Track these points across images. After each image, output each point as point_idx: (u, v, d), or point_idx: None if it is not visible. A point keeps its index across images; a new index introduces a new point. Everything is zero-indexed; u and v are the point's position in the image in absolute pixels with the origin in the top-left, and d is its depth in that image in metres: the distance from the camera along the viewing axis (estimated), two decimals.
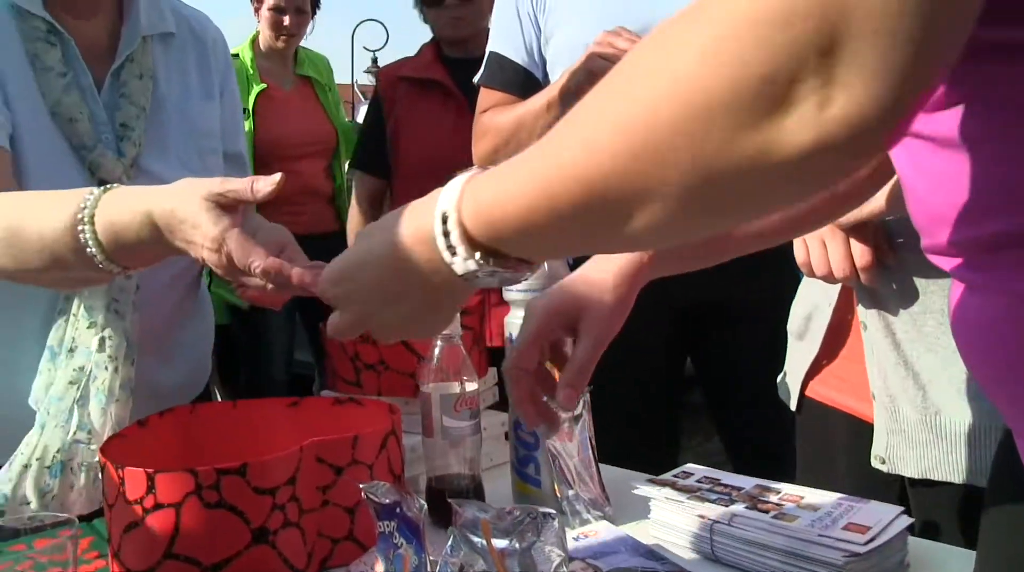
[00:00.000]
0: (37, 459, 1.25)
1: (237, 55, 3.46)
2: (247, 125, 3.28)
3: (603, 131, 0.60)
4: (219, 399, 3.69)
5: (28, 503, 1.25)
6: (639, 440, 1.83)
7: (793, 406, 1.53)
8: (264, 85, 3.44)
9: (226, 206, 1.04)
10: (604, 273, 1.08)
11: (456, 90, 2.41)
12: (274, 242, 1.16)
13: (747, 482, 1.24)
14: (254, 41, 3.61)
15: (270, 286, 1.05)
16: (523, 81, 1.91)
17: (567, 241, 0.72)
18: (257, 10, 3.56)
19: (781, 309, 1.65)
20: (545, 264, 1.28)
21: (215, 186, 1.05)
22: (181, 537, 1.01)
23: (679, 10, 1.77)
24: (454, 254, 0.74)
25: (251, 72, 3.45)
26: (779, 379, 1.60)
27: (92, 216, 1.08)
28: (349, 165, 3.07)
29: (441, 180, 2.26)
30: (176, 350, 1.49)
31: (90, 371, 1.28)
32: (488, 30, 2.30)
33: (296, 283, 1.02)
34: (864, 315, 1.36)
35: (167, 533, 1.01)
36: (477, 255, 0.74)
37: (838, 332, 1.43)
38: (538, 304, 1.07)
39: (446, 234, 0.74)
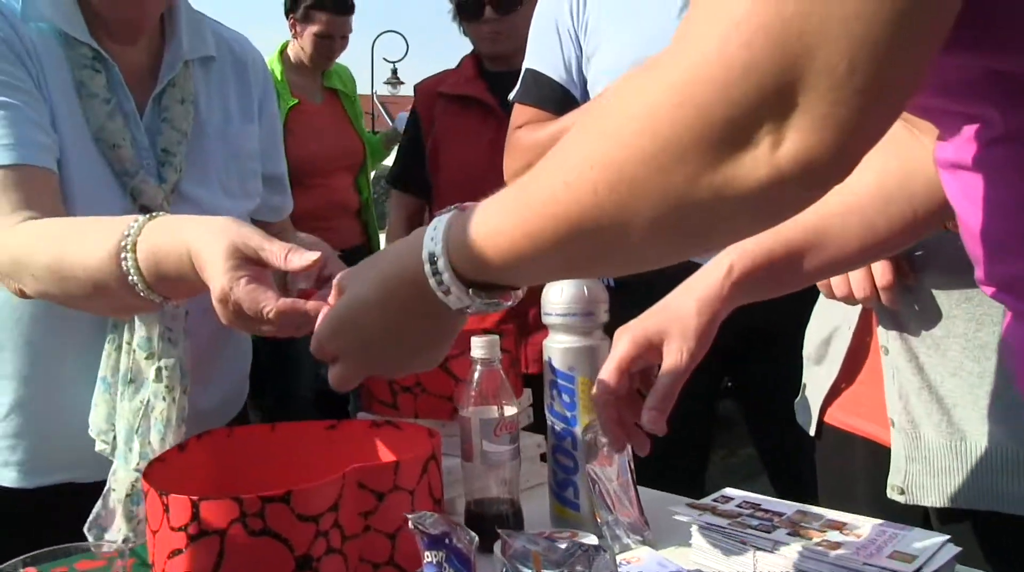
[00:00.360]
0: (114, 489, 1.27)
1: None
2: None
3: (580, 167, 0.65)
4: (251, 417, 3.69)
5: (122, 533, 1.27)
6: (671, 456, 1.82)
7: (812, 431, 1.51)
8: (296, 100, 3.44)
9: (251, 260, 1.04)
10: (688, 301, 1.12)
11: (496, 106, 2.36)
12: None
13: (787, 508, 1.23)
14: (283, 53, 3.60)
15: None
16: (559, 98, 1.90)
17: (552, 271, 0.80)
18: (293, 26, 3.55)
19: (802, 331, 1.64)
20: (584, 288, 1.28)
21: (251, 239, 1.04)
22: (225, 564, 1.01)
23: None
24: (448, 293, 0.80)
25: (282, 86, 3.45)
26: (796, 402, 1.58)
27: (135, 244, 1.09)
28: (387, 182, 3.05)
29: (480, 199, 2.27)
30: (216, 373, 1.50)
31: (148, 401, 1.29)
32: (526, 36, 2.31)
33: (315, 316, 1.00)
34: (885, 338, 1.34)
35: (211, 560, 1.01)
36: (470, 291, 0.79)
37: (857, 356, 1.41)
38: (625, 331, 1.12)
39: (437, 274, 0.79)
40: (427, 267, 0.80)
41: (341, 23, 3.51)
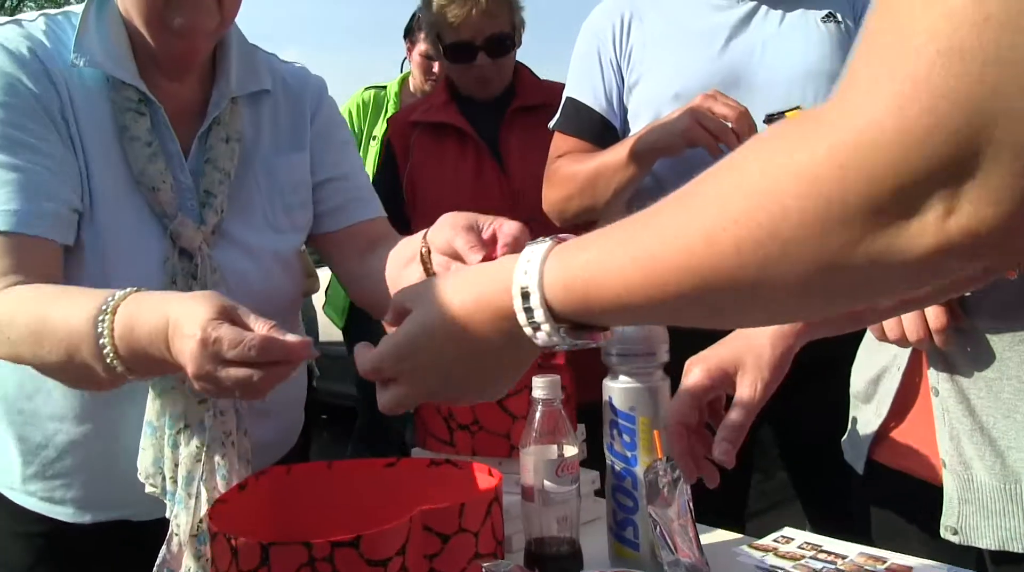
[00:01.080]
0: (177, 533, 1.27)
1: (384, 87, 3.52)
2: (375, 150, 3.26)
3: (722, 222, 0.61)
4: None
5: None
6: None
7: (861, 470, 1.49)
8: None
9: (233, 319, 1.03)
10: (762, 332, 1.12)
11: (472, 133, 2.28)
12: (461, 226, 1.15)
13: (850, 549, 1.22)
14: (404, 80, 3.62)
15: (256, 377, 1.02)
16: (599, 129, 1.90)
17: (661, 317, 0.77)
18: (410, 51, 3.55)
19: (844, 368, 1.62)
20: (646, 328, 1.28)
21: (239, 307, 1.04)
22: None
23: (768, 66, 1.77)
24: (537, 330, 0.76)
25: (392, 104, 3.46)
26: (844, 440, 1.56)
27: (116, 308, 1.09)
28: None
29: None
30: (272, 405, 1.50)
31: (208, 446, 1.29)
32: (510, 77, 2.29)
33: (298, 351, 1.02)
34: (935, 380, 1.33)
35: None
36: (562, 330, 0.75)
37: (907, 396, 1.40)
38: (698, 361, 1.12)
39: (528, 310, 0.75)
40: (518, 301, 0.76)
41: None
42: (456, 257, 1.15)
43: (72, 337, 1.10)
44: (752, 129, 1.64)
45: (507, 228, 1.13)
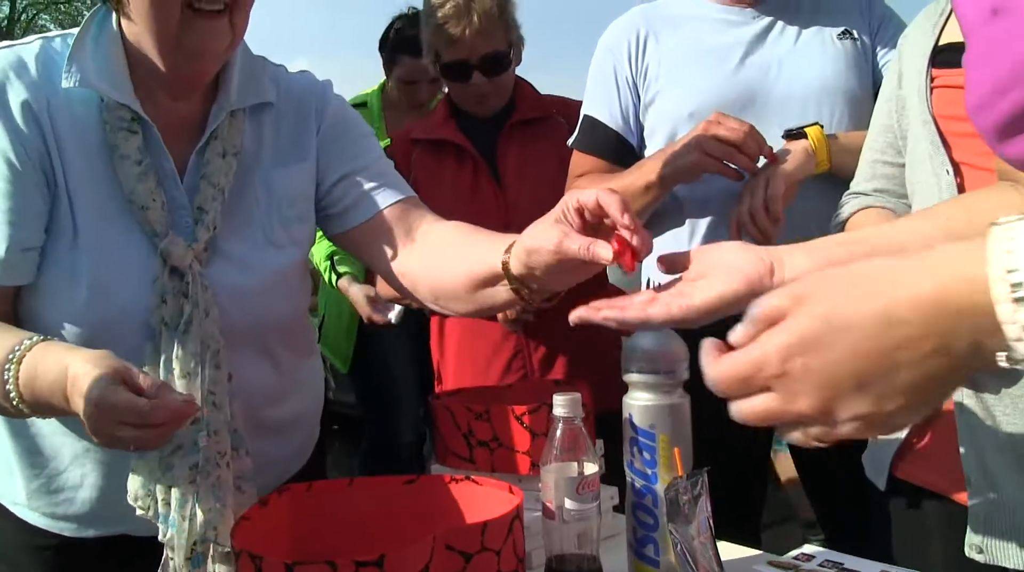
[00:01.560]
0: (172, 558, 1.29)
1: (365, 103, 3.31)
2: None
3: None
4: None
5: None
6: (729, 497, 1.80)
7: (882, 486, 1.49)
8: (388, 141, 3.10)
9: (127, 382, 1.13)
10: None
11: (471, 148, 2.27)
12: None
13: (872, 568, 1.22)
14: (383, 89, 3.41)
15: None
16: (616, 147, 1.91)
17: None
18: (386, 63, 3.34)
19: None
20: (666, 345, 1.28)
21: (131, 369, 1.14)
22: None
23: (784, 83, 1.77)
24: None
25: (377, 123, 3.29)
26: (864, 456, 1.56)
27: (22, 358, 1.19)
28: None
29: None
30: (285, 423, 1.51)
31: (202, 467, 1.30)
32: (509, 94, 2.28)
33: (185, 413, 1.13)
34: (960, 395, 1.31)
35: None
36: None
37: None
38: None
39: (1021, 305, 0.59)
40: (1004, 294, 0.60)
41: (425, 67, 3.29)
42: (560, 257, 1.17)
43: None
44: (761, 144, 1.63)
45: (585, 198, 1.14)
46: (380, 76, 3.46)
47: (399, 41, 3.29)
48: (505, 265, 1.28)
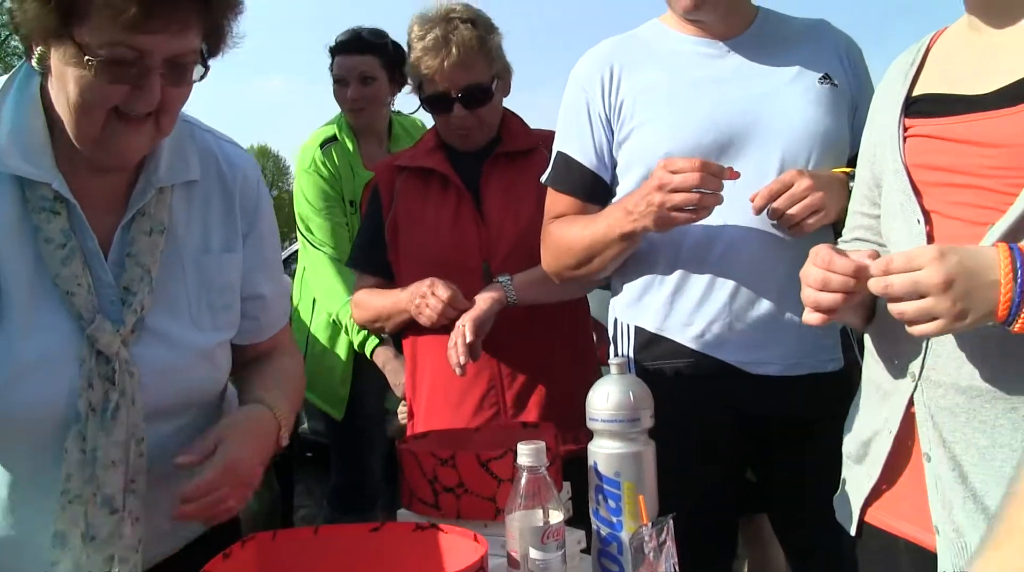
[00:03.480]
0: None
1: (335, 137, 3.11)
2: (356, 218, 2.98)
3: None
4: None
5: None
6: (699, 544, 1.79)
7: (852, 531, 1.48)
8: (370, 174, 2.94)
9: None
10: None
11: (455, 178, 2.23)
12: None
13: None
14: (344, 125, 3.17)
15: None
16: (591, 185, 1.90)
17: None
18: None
19: (831, 427, 1.61)
20: (630, 393, 1.29)
21: None
22: None
23: (764, 124, 1.77)
24: None
25: (354, 158, 3.10)
26: (835, 498, 1.55)
27: None
28: (347, 263, 2.65)
29: (445, 277, 2.23)
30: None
31: (120, 557, 1.28)
32: (495, 126, 2.28)
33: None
34: (927, 445, 1.31)
35: None
36: None
37: (898, 459, 1.38)
38: None
39: None
40: None
41: (352, 65, 3.06)
42: None
43: None
44: (719, 173, 1.60)
45: None
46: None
47: (331, 49, 3.15)
48: None
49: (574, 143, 1.92)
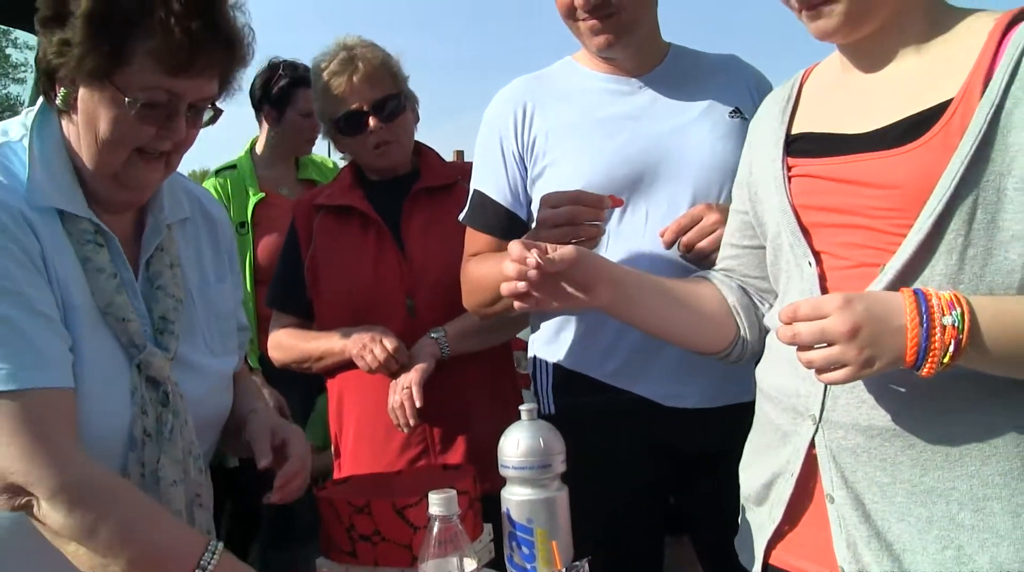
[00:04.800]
0: None
1: (235, 166, 3.31)
2: (247, 239, 3.15)
3: None
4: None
5: None
6: None
7: None
8: (263, 194, 3.24)
9: None
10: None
11: (374, 215, 2.23)
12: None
13: None
14: (251, 150, 3.41)
15: None
16: (506, 223, 1.90)
17: None
18: (267, 115, 3.34)
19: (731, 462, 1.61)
20: (541, 440, 1.29)
21: None
22: None
23: (675, 158, 1.78)
24: None
25: (249, 183, 3.28)
26: (736, 540, 1.54)
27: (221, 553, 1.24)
28: (266, 302, 2.63)
29: (365, 316, 2.25)
30: None
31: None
32: (411, 147, 2.30)
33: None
34: (830, 486, 1.31)
35: None
36: None
37: (800, 501, 1.37)
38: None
39: None
40: None
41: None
42: None
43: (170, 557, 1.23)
44: (597, 202, 1.59)
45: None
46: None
47: (294, 80, 3.28)
48: None
49: (490, 181, 1.93)
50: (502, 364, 2.30)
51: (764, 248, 1.49)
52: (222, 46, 1.33)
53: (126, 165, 1.33)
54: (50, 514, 1.19)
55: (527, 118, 1.91)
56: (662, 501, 1.92)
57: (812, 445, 1.33)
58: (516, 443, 1.29)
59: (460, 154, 5.63)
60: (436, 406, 2.09)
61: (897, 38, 1.30)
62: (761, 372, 1.47)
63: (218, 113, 1.40)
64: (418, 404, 2.02)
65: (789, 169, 1.40)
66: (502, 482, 1.40)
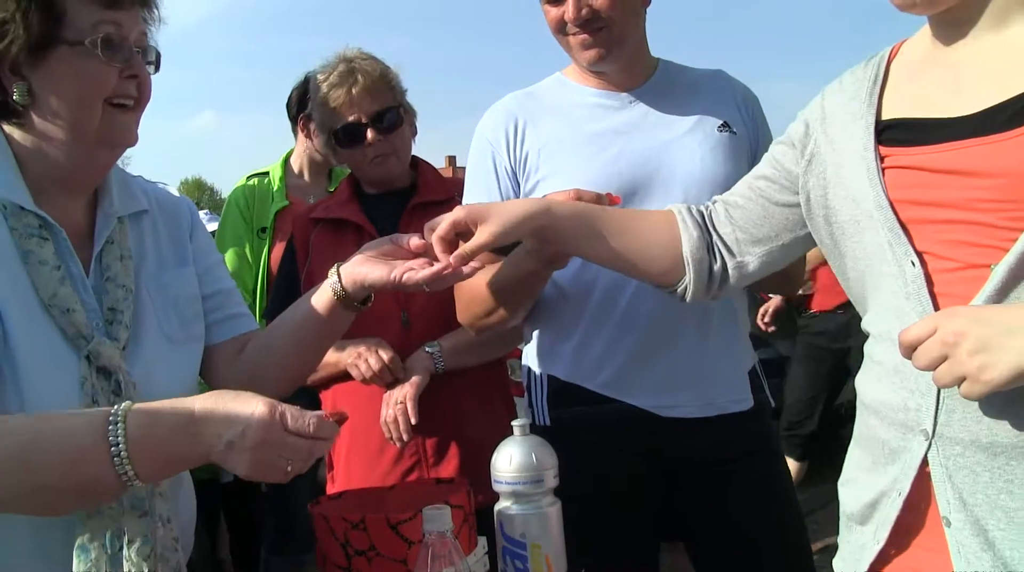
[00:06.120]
0: None
1: (267, 173, 3.41)
2: (265, 242, 3.24)
3: None
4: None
5: None
6: None
7: None
8: (287, 202, 3.33)
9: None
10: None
11: (371, 229, 2.23)
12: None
13: None
14: (286, 161, 3.49)
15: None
16: None
17: None
18: (303, 129, 3.39)
19: (770, 464, 1.62)
20: (533, 455, 1.30)
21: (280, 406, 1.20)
22: None
23: (666, 172, 1.76)
24: None
25: (276, 189, 3.37)
26: (835, 561, 1.43)
27: (126, 414, 1.18)
28: (262, 316, 2.71)
29: (360, 328, 2.26)
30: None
31: (160, 555, 1.32)
32: (408, 159, 2.31)
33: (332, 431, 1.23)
34: (946, 509, 1.19)
35: None
36: None
37: (910, 523, 1.26)
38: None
39: None
40: None
41: None
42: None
43: (74, 452, 1.17)
44: (594, 202, 1.61)
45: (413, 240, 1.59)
46: (285, 127, 3.53)
47: None
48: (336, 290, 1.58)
49: (483, 196, 1.94)
50: (495, 374, 2.31)
51: (786, 207, 1.45)
52: None
53: (103, 121, 1.36)
54: None
55: (519, 134, 1.93)
56: (657, 510, 1.93)
57: (925, 463, 1.22)
58: (509, 459, 1.30)
59: (452, 159, 5.67)
60: (429, 418, 2.10)
61: (989, 7, 1.20)
62: (863, 385, 1.37)
63: (159, 56, 1.44)
64: (413, 420, 2.02)
65: (882, 159, 1.28)
66: (496, 494, 1.41)
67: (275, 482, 1.34)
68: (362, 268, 1.55)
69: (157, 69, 1.44)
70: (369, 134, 2.18)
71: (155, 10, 1.43)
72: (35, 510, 1.24)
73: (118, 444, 1.17)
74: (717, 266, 1.52)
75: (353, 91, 2.17)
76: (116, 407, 1.20)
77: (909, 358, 1.15)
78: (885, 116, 1.30)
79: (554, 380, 1.89)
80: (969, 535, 1.16)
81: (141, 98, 1.41)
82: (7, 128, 1.37)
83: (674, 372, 1.79)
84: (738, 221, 1.51)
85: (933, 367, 1.12)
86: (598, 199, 1.61)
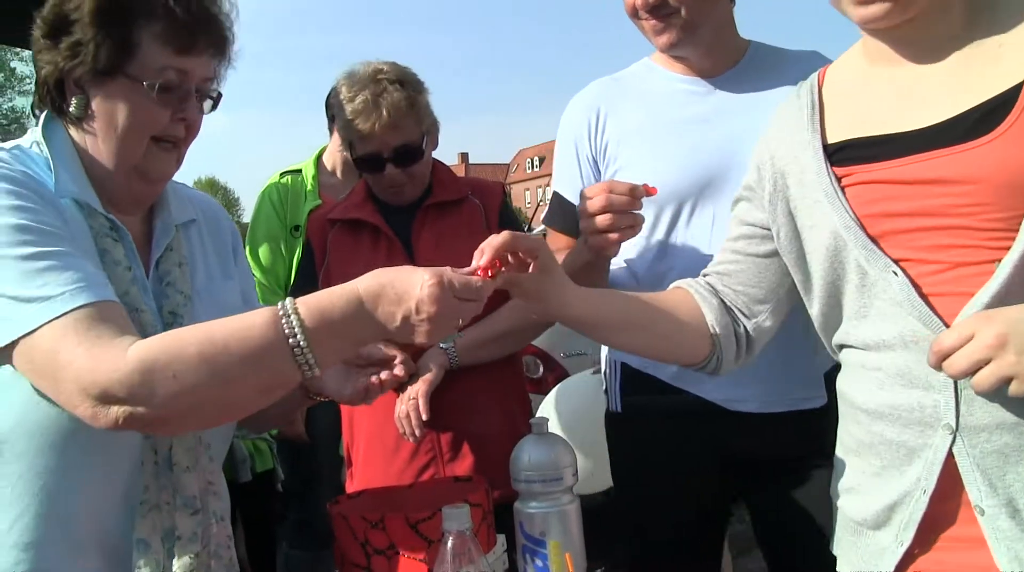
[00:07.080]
0: None
1: (300, 171, 3.38)
2: (298, 241, 3.20)
3: None
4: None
5: None
6: None
7: None
8: (319, 201, 3.27)
9: None
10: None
11: (386, 229, 2.25)
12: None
13: None
14: (319, 159, 3.46)
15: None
16: None
17: None
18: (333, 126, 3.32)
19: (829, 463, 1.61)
20: (552, 453, 1.29)
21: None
22: None
23: (741, 161, 1.69)
24: None
25: (309, 189, 3.35)
26: (839, 570, 1.42)
27: (296, 307, 1.20)
28: None
29: None
30: None
31: (214, 551, 1.35)
32: (426, 181, 2.29)
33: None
34: (977, 497, 1.20)
35: None
36: None
37: (936, 520, 1.25)
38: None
39: None
40: None
41: None
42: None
43: (253, 346, 1.19)
44: (630, 191, 1.59)
45: None
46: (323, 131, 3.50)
47: None
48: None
49: (566, 183, 2.00)
50: (510, 370, 2.30)
51: (773, 257, 1.46)
52: (218, 25, 1.41)
53: (146, 156, 1.39)
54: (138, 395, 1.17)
55: (600, 123, 1.97)
56: (725, 506, 1.94)
57: (950, 456, 1.22)
58: (528, 457, 1.30)
59: (464, 156, 5.66)
60: (444, 414, 2.10)
61: (941, 23, 1.25)
62: (859, 394, 1.36)
63: (219, 96, 1.46)
64: (424, 417, 2.02)
65: (839, 180, 1.32)
66: (513, 490, 1.41)
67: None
68: (328, 382, 1.55)
69: (215, 108, 1.47)
70: (388, 167, 2.16)
71: (227, 58, 1.45)
72: (225, 413, 1.29)
73: (295, 335, 1.19)
74: (740, 329, 1.51)
75: (376, 126, 2.09)
76: (281, 303, 1.21)
77: (938, 366, 1.16)
78: (831, 140, 1.35)
79: (627, 368, 1.91)
80: (1005, 518, 1.18)
81: (188, 137, 1.44)
82: (74, 133, 1.40)
83: (744, 366, 1.77)
84: (736, 285, 1.52)
85: (973, 371, 1.14)
86: (631, 190, 1.59)
